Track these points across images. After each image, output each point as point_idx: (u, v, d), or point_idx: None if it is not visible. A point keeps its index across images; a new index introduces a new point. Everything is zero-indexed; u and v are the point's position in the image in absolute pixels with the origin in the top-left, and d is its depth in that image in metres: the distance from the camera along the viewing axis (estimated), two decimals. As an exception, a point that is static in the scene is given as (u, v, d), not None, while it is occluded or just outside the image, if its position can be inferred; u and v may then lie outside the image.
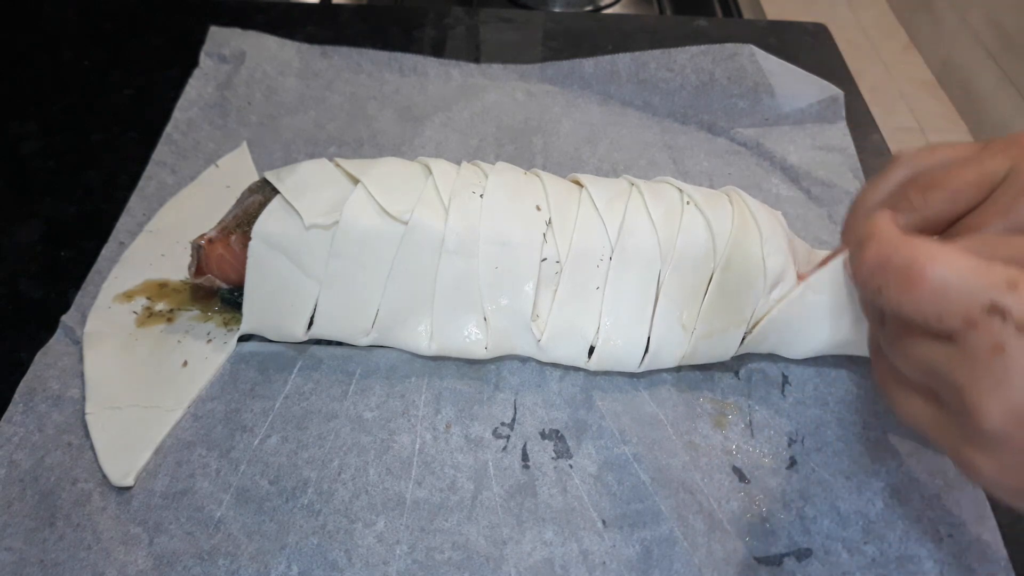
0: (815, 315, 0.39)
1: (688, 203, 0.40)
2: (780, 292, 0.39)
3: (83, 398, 0.38)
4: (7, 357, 0.40)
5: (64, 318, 0.42)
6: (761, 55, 0.57)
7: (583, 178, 0.41)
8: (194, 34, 0.60)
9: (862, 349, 0.40)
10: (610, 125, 0.57)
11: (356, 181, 0.39)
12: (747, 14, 0.86)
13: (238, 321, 0.41)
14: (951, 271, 0.24)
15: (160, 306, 0.43)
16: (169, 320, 0.42)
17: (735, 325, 0.39)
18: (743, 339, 0.39)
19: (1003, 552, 0.35)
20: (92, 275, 0.44)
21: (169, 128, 0.53)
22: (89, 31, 0.63)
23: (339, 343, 0.42)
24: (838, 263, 0.38)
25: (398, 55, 0.61)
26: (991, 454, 0.25)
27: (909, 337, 0.27)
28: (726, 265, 0.38)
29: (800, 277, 0.40)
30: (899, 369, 0.28)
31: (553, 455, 0.38)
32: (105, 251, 0.45)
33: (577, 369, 0.41)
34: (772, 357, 0.43)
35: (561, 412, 0.40)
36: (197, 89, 0.56)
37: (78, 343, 0.41)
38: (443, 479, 0.37)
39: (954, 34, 1.93)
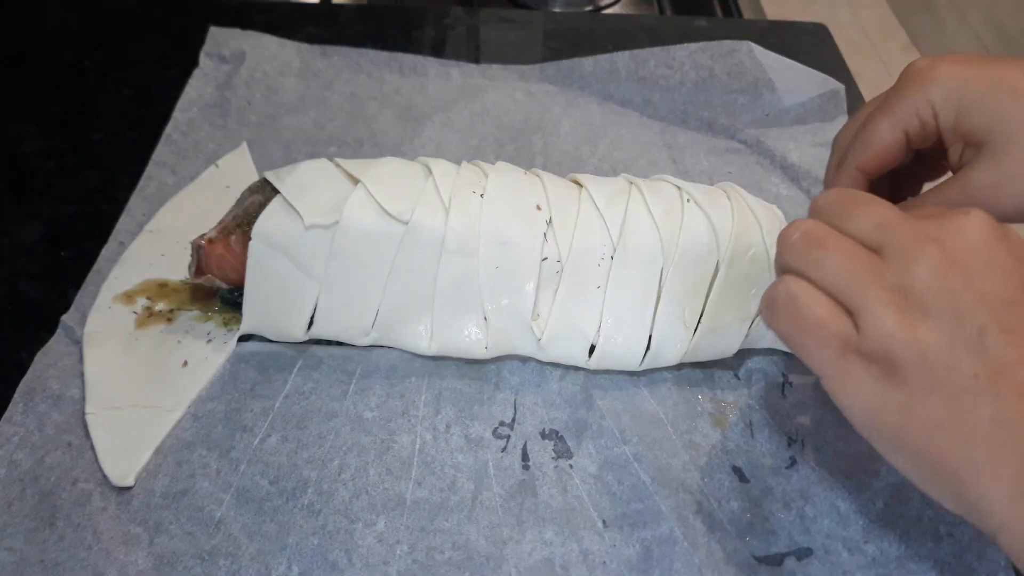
0: None
1: (688, 201, 0.40)
2: None
3: (83, 398, 0.38)
4: (7, 357, 0.40)
5: (64, 318, 0.42)
6: (760, 51, 0.57)
7: (582, 178, 0.41)
8: (194, 34, 0.60)
9: None
10: (610, 124, 0.57)
11: (356, 181, 0.39)
12: (747, 14, 0.86)
13: (238, 321, 0.41)
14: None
15: (160, 306, 0.43)
16: (169, 320, 0.42)
17: (740, 320, 0.39)
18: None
19: (1003, 552, 0.35)
20: (92, 275, 0.44)
21: (169, 128, 0.53)
22: (89, 31, 0.63)
23: (339, 343, 0.42)
24: None
25: (398, 55, 0.61)
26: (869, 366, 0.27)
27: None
28: (731, 260, 0.38)
29: None
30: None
31: (553, 455, 0.38)
32: (105, 251, 0.45)
33: (577, 369, 0.41)
34: (772, 357, 0.43)
35: (561, 412, 0.40)
36: (197, 89, 0.56)
37: (78, 343, 0.41)
38: (443, 479, 0.37)
39: (954, 34, 1.93)
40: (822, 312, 0.29)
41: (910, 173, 0.47)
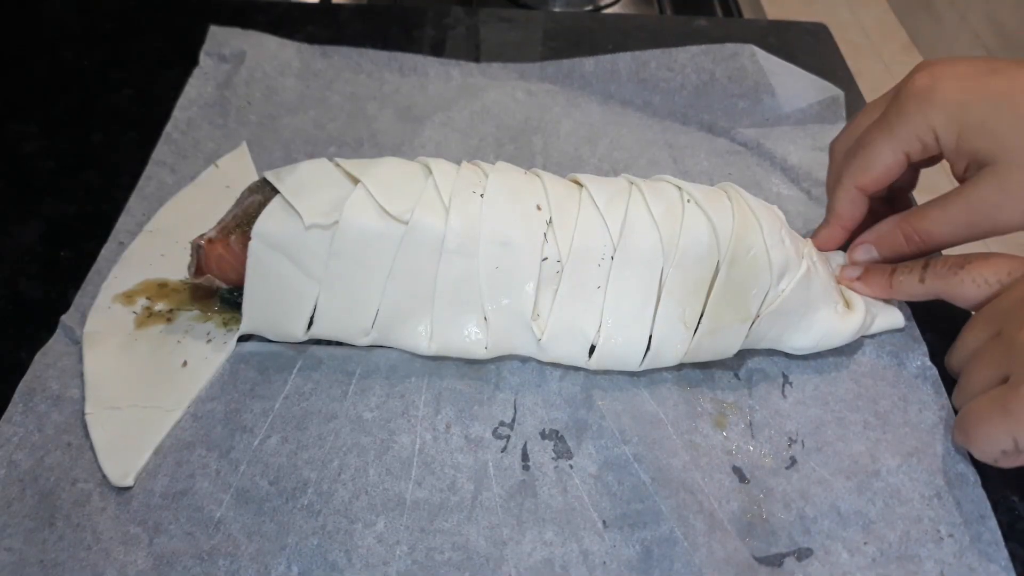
0: (811, 302, 0.40)
1: (688, 201, 0.40)
2: (786, 283, 0.40)
3: (83, 398, 0.38)
4: (7, 357, 0.40)
5: (64, 318, 0.42)
6: (762, 55, 0.57)
7: (582, 178, 0.41)
8: (194, 34, 0.60)
9: (861, 332, 0.42)
10: (610, 125, 0.57)
11: (356, 181, 0.39)
12: (747, 14, 0.86)
13: (238, 321, 0.41)
14: None
15: (160, 306, 0.43)
16: (169, 320, 0.42)
17: (741, 320, 0.39)
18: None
19: (1003, 552, 0.35)
20: (92, 275, 0.44)
21: (169, 128, 0.53)
22: (89, 31, 0.63)
23: (339, 343, 0.42)
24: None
25: (398, 55, 0.61)
26: None
27: None
28: (732, 260, 0.39)
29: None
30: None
31: (553, 455, 0.38)
32: (105, 251, 0.45)
33: (577, 369, 0.41)
34: (772, 357, 0.43)
35: (561, 412, 0.40)
36: (197, 89, 0.56)
37: (78, 343, 0.41)
38: (443, 479, 0.37)
39: (954, 34, 1.93)
40: None
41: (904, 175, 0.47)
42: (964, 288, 0.39)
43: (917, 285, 0.41)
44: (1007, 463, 0.34)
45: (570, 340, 0.39)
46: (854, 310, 0.41)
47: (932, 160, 0.42)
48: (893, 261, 0.43)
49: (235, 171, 0.51)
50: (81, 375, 0.39)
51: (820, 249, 0.45)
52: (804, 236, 0.45)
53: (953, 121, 0.39)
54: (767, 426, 0.40)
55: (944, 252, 0.43)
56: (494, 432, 0.39)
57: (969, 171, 0.40)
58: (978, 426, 0.35)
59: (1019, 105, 0.37)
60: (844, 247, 0.46)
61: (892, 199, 0.48)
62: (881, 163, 0.42)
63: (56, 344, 0.41)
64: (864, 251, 0.44)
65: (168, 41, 0.62)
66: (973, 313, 0.40)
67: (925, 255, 0.42)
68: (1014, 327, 0.35)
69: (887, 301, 0.43)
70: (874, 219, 0.44)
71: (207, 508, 0.35)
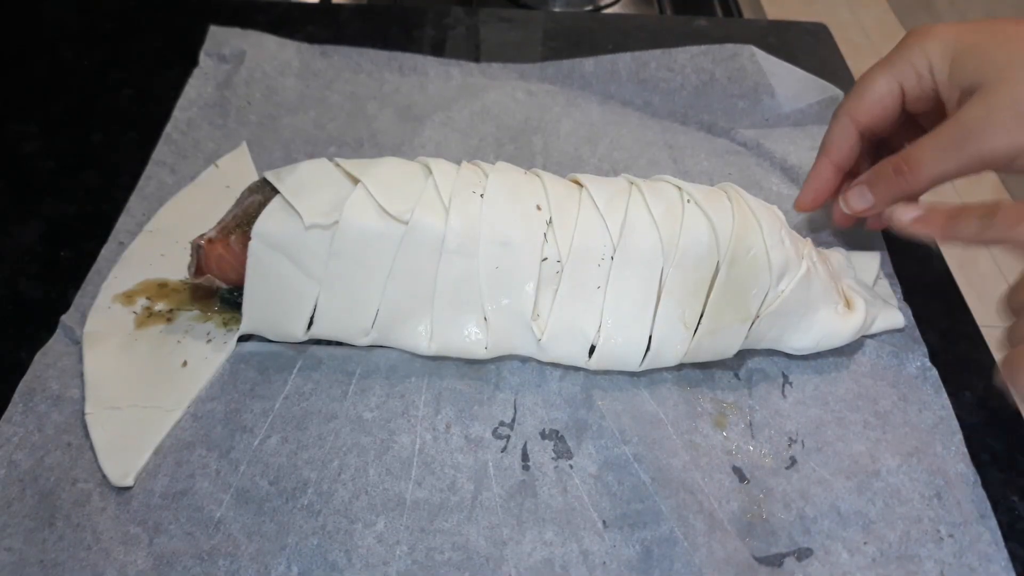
0: (811, 303, 0.40)
1: (688, 201, 0.40)
2: (786, 284, 0.40)
3: (83, 398, 0.38)
4: (7, 357, 0.40)
5: (64, 318, 0.42)
6: (761, 55, 0.57)
7: (582, 178, 0.41)
8: (194, 34, 0.60)
9: (861, 332, 0.42)
10: (610, 125, 0.57)
11: (356, 181, 0.39)
12: (747, 14, 0.86)
13: (238, 321, 0.41)
14: None
15: (160, 306, 0.43)
16: (169, 320, 0.42)
17: (740, 320, 0.39)
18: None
19: (1003, 552, 0.35)
20: (92, 275, 0.44)
21: (169, 128, 0.53)
22: (89, 31, 0.63)
23: (339, 343, 0.42)
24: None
25: (398, 55, 0.61)
26: None
27: None
28: (732, 261, 0.39)
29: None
30: None
31: (553, 455, 0.38)
32: (105, 251, 0.45)
33: (577, 369, 0.41)
34: (772, 357, 0.43)
35: (561, 412, 0.40)
36: (197, 89, 0.56)
37: (78, 343, 0.41)
38: (443, 479, 0.37)
39: (954, 34, 1.93)
40: None
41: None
42: None
43: (980, 230, 0.38)
44: None
45: (570, 340, 0.39)
46: (854, 310, 0.42)
47: (933, 123, 0.41)
48: (889, 202, 0.41)
49: (235, 171, 0.51)
50: (81, 375, 0.39)
51: (811, 191, 0.45)
52: (804, 237, 0.45)
53: (948, 48, 0.39)
54: (767, 426, 0.40)
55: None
56: (494, 432, 0.39)
57: (960, 104, 0.39)
58: None
59: (1007, 31, 0.38)
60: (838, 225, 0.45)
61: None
62: (874, 91, 0.42)
63: (56, 344, 0.41)
64: (858, 194, 0.42)
65: (168, 41, 0.62)
66: (982, 332, 0.40)
67: (919, 193, 0.41)
68: None
69: (887, 301, 0.43)
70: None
71: (207, 508, 0.35)
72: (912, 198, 0.41)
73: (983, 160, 0.38)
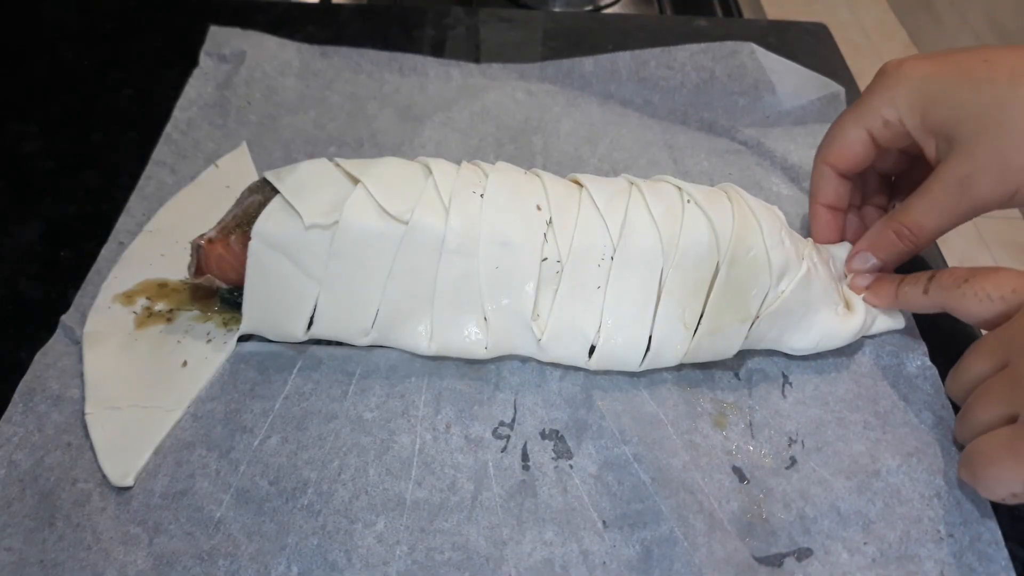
0: (812, 303, 0.40)
1: (688, 201, 0.40)
2: (786, 284, 0.40)
3: (83, 398, 0.38)
4: (7, 357, 0.40)
5: (64, 318, 0.42)
6: (761, 52, 0.57)
7: (583, 178, 0.41)
8: (194, 34, 0.60)
9: (861, 334, 0.42)
10: (610, 124, 0.57)
11: (356, 181, 0.39)
12: (747, 14, 0.86)
13: (238, 321, 0.41)
14: None
15: (160, 306, 0.43)
16: (169, 320, 0.42)
17: (740, 321, 0.39)
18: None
19: (1003, 552, 0.35)
20: (92, 275, 0.44)
21: (169, 128, 0.53)
22: (89, 31, 0.63)
23: (339, 343, 0.42)
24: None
25: (398, 55, 0.61)
26: None
27: None
28: (732, 261, 0.39)
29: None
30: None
31: (553, 455, 0.38)
32: (105, 251, 0.45)
33: (577, 369, 0.41)
34: (772, 357, 0.43)
35: (561, 412, 0.40)
36: (197, 89, 0.56)
37: (78, 343, 0.41)
38: (443, 479, 0.37)
39: (954, 34, 1.93)
40: None
41: (905, 174, 0.47)
42: (966, 301, 0.38)
43: (921, 297, 0.40)
44: (1015, 502, 0.33)
45: (570, 340, 0.39)
46: (854, 311, 0.41)
47: (920, 158, 0.42)
48: (894, 263, 0.43)
49: (235, 171, 0.51)
50: (81, 375, 0.39)
51: (814, 236, 0.46)
52: (804, 237, 0.45)
53: (916, 95, 0.39)
54: (767, 426, 0.40)
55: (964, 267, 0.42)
56: (494, 432, 0.39)
57: (940, 151, 0.40)
58: (987, 468, 0.33)
59: (977, 73, 0.38)
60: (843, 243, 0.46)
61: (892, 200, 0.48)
62: (844, 139, 0.43)
63: (56, 344, 0.41)
64: (862, 260, 0.43)
65: (168, 41, 0.62)
66: (980, 333, 0.40)
67: (922, 249, 0.42)
68: (1022, 361, 0.34)
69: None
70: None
71: (207, 508, 0.35)
72: (916, 254, 0.43)
73: (978, 210, 0.39)
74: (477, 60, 0.62)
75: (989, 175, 0.37)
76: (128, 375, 0.40)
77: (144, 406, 0.38)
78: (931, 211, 0.40)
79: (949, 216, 0.40)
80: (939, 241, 0.48)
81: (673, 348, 0.39)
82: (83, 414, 0.38)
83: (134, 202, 0.48)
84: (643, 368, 0.40)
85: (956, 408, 0.39)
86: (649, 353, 0.39)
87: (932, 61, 0.40)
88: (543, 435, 0.39)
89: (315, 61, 0.60)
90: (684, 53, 0.58)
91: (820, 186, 0.45)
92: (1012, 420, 0.33)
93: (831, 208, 0.45)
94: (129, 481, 0.36)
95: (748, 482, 0.38)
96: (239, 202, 0.41)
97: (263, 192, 0.40)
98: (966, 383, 0.37)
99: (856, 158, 0.43)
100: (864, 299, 0.43)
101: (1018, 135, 0.36)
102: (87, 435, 0.37)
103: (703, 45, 0.58)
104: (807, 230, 0.50)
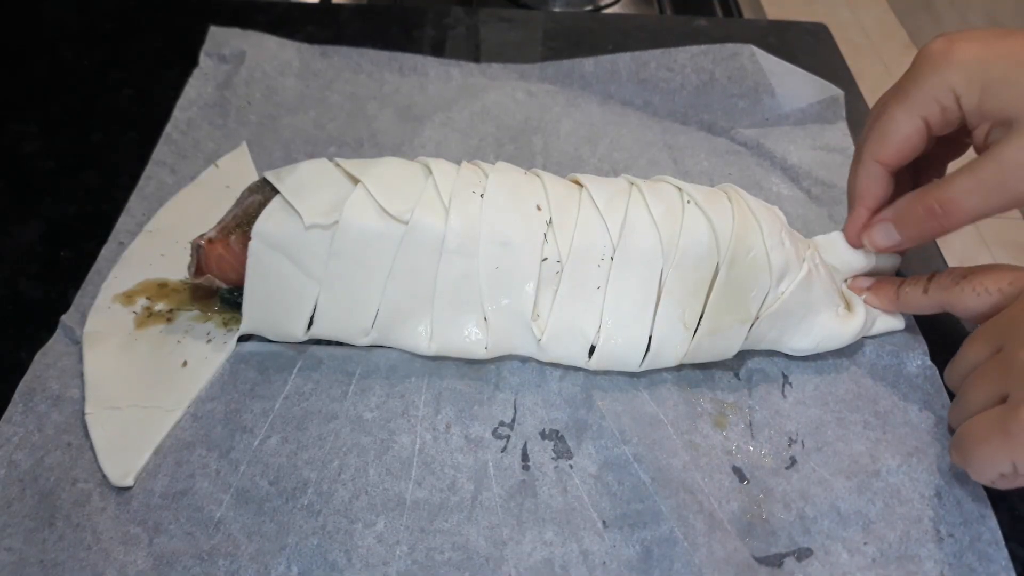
0: (812, 305, 0.40)
1: (688, 202, 0.40)
2: (786, 285, 0.40)
3: (83, 398, 0.38)
4: (7, 357, 0.40)
5: (64, 318, 0.42)
6: (761, 55, 0.57)
7: (583, 178, 0.41)
8: (194, 34, 0.60)
9: (861, 335, 0.42)
10: (610, 125, 0.57)
11: (356, 181, 0.39)
12: (747, 14, 0.86)
13: (238, 321, 0.41)
14: None
15: (160, 306, 0.43)
16: (169, 320, 0.42)
17: (740, 321, 0.39)
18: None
19: (1003, 552, 0.35)
20: (92, 275, 0.44)
21: (169, 128, 0.53)
22: (89, 31, 0.63)
23: (339, 343, 0.42)
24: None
25: (398, 55, 0.61)
26: None
27: None
28: (731, 262, 0.39)
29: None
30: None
31: (553, 455, 0.38)
32: (105, 251, 0.45)
33: (577, 369, 0.41)
34: (772, 357, 0.43)
35: (561, 412, 0.40)
36: (197, 89, 0.56)
37: (78, 343, 0.41)
38: (443, 479, 0.37)
39: (954, 34, 1.93)
40: None
41: (932, 154, 0.45)
42: (965, 298, 0.38)
43: (922, 297, 0.40)
44: (1005, 485, 0.34)
45: (570, 340, 0.39)
46: (855, 312, 0.41)
47: (955, 133, 0.40)
48: (914, 243, 0.41)
49: (235, 171, 0.51)
50: (81, 375, 0.39)
51: (850, 240, 0.43)
52: (805, 237, 0.45)
53: (974, 78, 0.37)
54: (767, 426, 0.40)
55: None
56: (494, 432, 0.39)
57: (992, 135, 0.38)
58: (976, 447, 0.33)
59: None
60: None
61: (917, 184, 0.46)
62: (899, 131, 0.39)
63: (56, 344, 0.41)
64: (883, 232, 0.41)
65: (168, 41, 0.62)
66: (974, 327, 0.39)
67: (945, 233, 0.40)
68: (1015, 345, 0.34)
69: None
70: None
71: (207, 508, 0.35)
72: (939, 236, 0.40)
73: (1021, 200, 0.37)
74: (477, 60, 0.62)
75: None
76: (128, 375, 0.40)
77: (144, 406, 0.38)
78: (975, 191, 0.37)
79: (992, 200, 0.37)
80: (939, 241, 0.48)
81: (673, 348, 0.39)
82: (83, 414, 0.38)
83: (134, 202, 0.48)
84: (643, 368, 0.40)
85: None
86: (649, 353, 0.39)
87: (982, 44, 0.37)
88: (543, 435, 0.39)
89: (315, 61, 0.60)
90: (684, 55, 0.58)
91: (868, 187, 0.41)
92: (1003, 401, 0.33)
93: (873, 211, 0.42)
94: (129, 481, 0.36)
95: (748, 482, 0.38)
96: (239, 202, 0.41)
97: (263, 192, 0.40)
98: (963, 370, 0.38)
99: (913, 151, 0.40)
100: (865, 301, 0.43)
101: None
102: (87, 435, 0.37)
103: (703, 47, 0.58)
104: (807, 230, 0.50)
